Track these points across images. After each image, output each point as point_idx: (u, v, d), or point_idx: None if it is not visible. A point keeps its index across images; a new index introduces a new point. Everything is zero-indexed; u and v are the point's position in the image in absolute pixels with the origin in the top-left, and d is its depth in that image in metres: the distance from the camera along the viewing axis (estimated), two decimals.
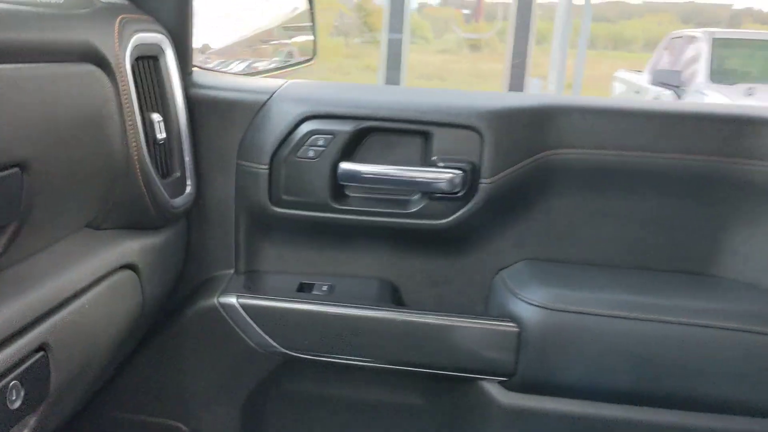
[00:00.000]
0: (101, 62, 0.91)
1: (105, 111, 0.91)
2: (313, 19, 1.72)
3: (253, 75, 1.86)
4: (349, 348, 1.16)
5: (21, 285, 0.80)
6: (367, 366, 1.17)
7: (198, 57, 1.95)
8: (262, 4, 2.17)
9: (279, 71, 1.89)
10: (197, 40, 1.94)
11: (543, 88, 8.60)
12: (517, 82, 8.45)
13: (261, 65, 2.01)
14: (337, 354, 1.17)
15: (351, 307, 1.16)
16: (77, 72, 0.86)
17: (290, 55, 2.03)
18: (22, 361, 0.76)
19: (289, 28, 2.08)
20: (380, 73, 8.71)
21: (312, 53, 1.74)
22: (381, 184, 1.16)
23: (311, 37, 1.77)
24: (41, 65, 0.79)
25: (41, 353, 0.80)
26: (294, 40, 2.09)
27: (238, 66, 1.99)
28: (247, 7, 2.16)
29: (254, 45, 2.18)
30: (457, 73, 13.03)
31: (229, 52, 2.07)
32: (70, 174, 0.85)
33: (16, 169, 0.73)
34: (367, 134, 1.17)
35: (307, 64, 1.78)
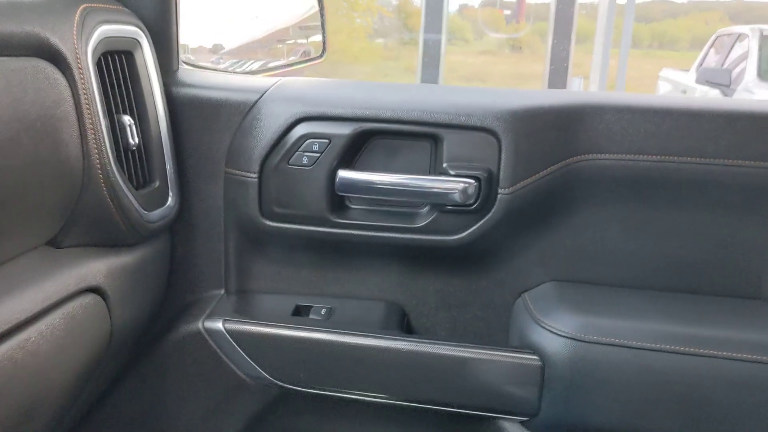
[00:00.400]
0: (54, 57, 0.79)
1: (59, 113, 0.79)
2: (322, 17, 1.61)
3: (256, 73, 1.74)
4: (351, 381, 1.03)
5: None
6: (372, 401, 1.04)
7: (210, 57, 1.85)
8: (278, 4, 2.06)
9: (287, 69, 1.77)
10: (209, 40, 1.84)
11: (585, 88, 8.37)
12: (557, 83, 8.24)
13: (275, 65, 1.90)
14: (337, 387, 1.04)
15: (353, 334, 1.03)
16: (21, 68, 0.74)
17: (306, 54, 1.92)
18: None
19: (305, 28, 1.97)
20: (417, 75, 8.60)
21: (321, 51, 1.62)
22: (385, 195, 1.03)
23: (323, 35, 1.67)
24: None
25: None
26: (311, 39, 1.97)
27: (251, 66, 1.88)
28: (262, 6, 2.06)
29: (269, 45, 2.08)
30: (497, 75, 12.83)
31: (243, 52, 1.97)
32: (13, 184, 0.74)
33: None
34: (369, 138, 1.04)
35: (315, 62, 1.66)
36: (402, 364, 1.02)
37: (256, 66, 1.89)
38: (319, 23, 1.73)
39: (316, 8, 1.77)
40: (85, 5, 0.87)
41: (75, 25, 0.83)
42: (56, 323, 0.81)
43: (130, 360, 1.09)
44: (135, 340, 1.06)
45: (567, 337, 0.96)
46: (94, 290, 0.89)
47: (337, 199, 1.05)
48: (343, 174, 1.02)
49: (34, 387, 0.79)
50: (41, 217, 0.82)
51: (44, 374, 0.80)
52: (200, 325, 1.06)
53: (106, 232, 0.91)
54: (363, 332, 1.04)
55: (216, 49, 1.86)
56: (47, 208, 0.82)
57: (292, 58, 1.99)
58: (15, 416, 0.77)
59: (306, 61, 1.73)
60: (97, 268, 0.90)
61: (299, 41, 2.01)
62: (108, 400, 1.11)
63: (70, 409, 0.95)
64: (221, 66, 1.77)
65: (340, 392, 1.04)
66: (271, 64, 1.93)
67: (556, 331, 0.97)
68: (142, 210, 0.95)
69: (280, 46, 2.07)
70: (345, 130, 1.02)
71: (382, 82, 1.22)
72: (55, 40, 0.79)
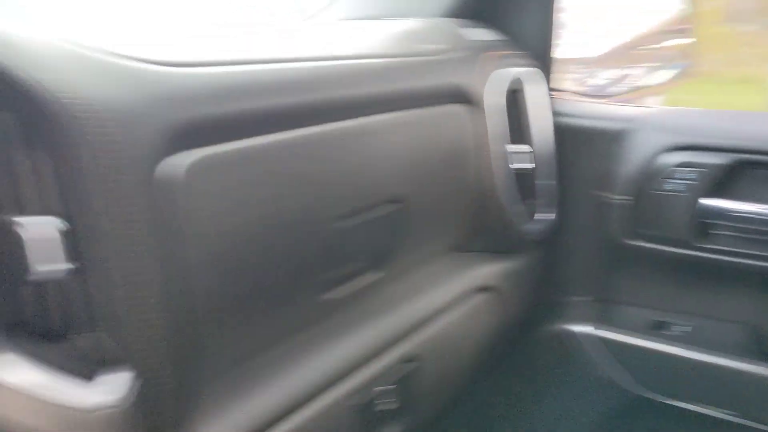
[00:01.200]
0: (468, 101, 0.96)
1: (470, 146, 0.96)
2: (693, 19, 1.56)
3: (616, 95, 1.77)
4: (708, 397, 1.05)
5: (394, 300, 0.89)
6: (730, 421, 1.05)
7: (575, 67, 1.91)
8: (641, 9, 2.05)
9: (656, 87, 1.76)
10: (572, 50, 1.91)
11: None
12: None
13: (632, 74, 1.90)
14: (693, 401, 1.07)
15: (714, 354, 1.05)
16: (445, 113, 0.93)
17: (672, 61, 1.87)
18: (396, 370, 0.85)
19: (669, 32, 1.93)
20: None
21: (689, 57, 1.58)
22: (755, 225, 1.01)
23: (691, 39, 1.62)
24: (414, 111, 0.87)
25: (413, 363, 0.87)
26: (674, 42, 1.93)
27: (602, 75, 1.91)
28: (624, 13, 2.07)
29: (627, 51, 2.07)
30: None
31: (596, 62, 2.00)
32: (436, 204, 0.92)
33: (396, 204, 0.83)
34: (744, 168, 1.02)
35: (682, 69, 1.63)
36: (760, 388, 1.01)
37: (624, 87, 1.88)
38: (684, 27, 1.69)
39: (684, 8, 1.73)
40: (488, 54, 1.03)
41: (482, 72, 0.99)
42: (463, 311, 0.98)
43: (507, 350, 1.23)
44: (514, 335, 1.20)
45: None
46: (490, 289, 1.05)
47: (701, 224, 1.05)
48: (711, 203, 1.03)
49: (452, 358, 0.97)
50: (451, 227, 1.00)
51: (458, 350, 0.98)
52: (570, 327, 1.16)
53: (498, 240, 1.07)
54: (724, 354, 1.05)
55: (581, 60, 1.91)
56: (455, 221, 1.00)
57: (660, 72, 1.95)
58: (439, 379, 0.95)
59: (675, 72, 1.71)
60: (491, 271, 1.05)
61: (662, 45, 1.98)
62: (481, 385, 1.27)
63: (467, 382, 1.11)
64: (590, 81, 1.82)
65: (696, 406, 1.07)
66: (639, 83, 1.91)
67: None
68: (527, 224, 1.08)
69: (639, 53, 2.06)
70: (719, 160, 1.02)
71: (762, 111, 1.18)
72: (468, 87, 0.96)
